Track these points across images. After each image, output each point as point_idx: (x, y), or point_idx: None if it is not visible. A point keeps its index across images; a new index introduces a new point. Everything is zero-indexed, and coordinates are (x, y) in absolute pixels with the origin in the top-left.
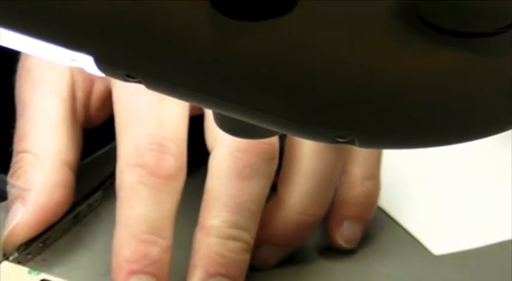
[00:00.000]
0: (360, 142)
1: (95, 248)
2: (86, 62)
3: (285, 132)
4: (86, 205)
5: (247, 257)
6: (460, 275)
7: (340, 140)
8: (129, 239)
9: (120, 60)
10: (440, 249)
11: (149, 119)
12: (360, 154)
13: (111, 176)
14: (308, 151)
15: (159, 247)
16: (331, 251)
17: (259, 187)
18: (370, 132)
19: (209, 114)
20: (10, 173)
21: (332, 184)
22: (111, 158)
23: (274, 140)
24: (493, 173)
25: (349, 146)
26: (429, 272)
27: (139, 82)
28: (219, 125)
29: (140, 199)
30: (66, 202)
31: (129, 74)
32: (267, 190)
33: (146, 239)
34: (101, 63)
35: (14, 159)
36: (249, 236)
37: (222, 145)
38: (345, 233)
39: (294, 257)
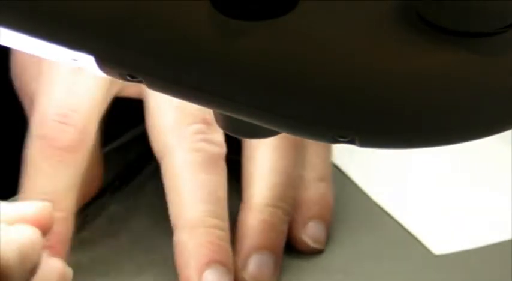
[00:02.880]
0: (360, 141)
1: (96, 249)
2: (87, 62)
3: (285, 131)
4: (94, 207)
5: (229, 246)
6: (461, 275)
7: (341, 139)
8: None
9: (121, 60)
10: (441, 249)
11: (60, 90)
12: (310, 159)
13: (117, 178)
14: (271, 150)
15: (56, 220)
16: (330, 250)
17: (222, 176)
18: (370, 132)
19: (153, 123)
20: None
21: (293, 181)
22: (115, 157)
23: (223, 141)
24: (493, 173)
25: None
26: (430, 272)
27: (140, 82)
28: (220, 124)
29: (39, 171)
30: (99, 179)
31: (130, 74)
32: (226, 179)
33: None
34: (101, 63)
35: None
36: (226, 226)
37: (177, 149)
38: (311, 232)
39: (292, 258)
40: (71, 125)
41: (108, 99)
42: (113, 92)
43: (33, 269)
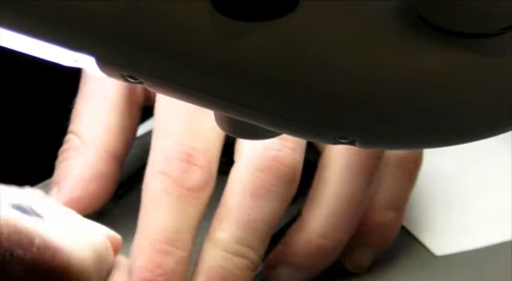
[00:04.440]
0: (361, 142)
1: None
2: (87, 63)
3: (286, 133)
4: (97, 211)
5: (250, 275)
6: (461, 276)
7: (342, 140)
8: (146, 247)
9: (121, 61)
10: (442, 250)
11: (182, 128)
12: (388, 183)
13: (123, 186)
14: (337, 173)
15: (174, 258)
16: None
17: (272, 208)
18: (370, 132)
19: None
20: (60, 150)
21: (359, 208)
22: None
23: (297, 163)
24: (493, 174)
25: (379, 173)
26: (430, 272)
27: (141, 83)
28: (220, 125)
29: (162, 207)
30: (102, 196)
31: (131, 75)
32: (280, 212)
33: (162, 249)
34: (102, 64)
35: (66, 137)
36: (254, 255)
37: (244, 160)
38: (354, 259)
39: None
40: (197, 165)
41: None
42: None
43: (107, 273)
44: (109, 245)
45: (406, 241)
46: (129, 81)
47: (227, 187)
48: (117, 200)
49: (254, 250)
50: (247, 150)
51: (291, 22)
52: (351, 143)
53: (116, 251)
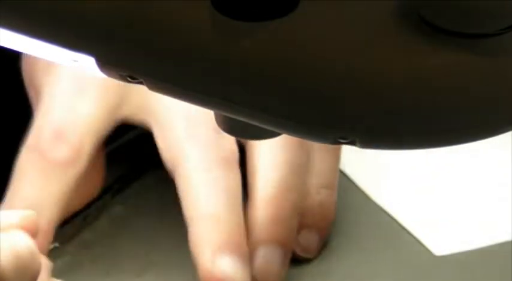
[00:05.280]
0: (361, 142)
1: (96, 249)
2: (87, 63)
3: (286, 133)
4: (94, 208)
5: (245, 240)
6: (461, 276)
7: (342, 140)
8: None
9: (121, 61)
10: (441, 250)
11: (60, 107)
12: (316, 164)
13: (118, 180)
14: (271, 144)
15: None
16: (331, 251)
17: (236, 174)
18: (370, 133)
19: (164, 137)
20: None
21: (301, 171)
22: (117, 158)
23: (236, 147)
24: (493, 174)
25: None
26: (430, 272)
27: (141, 83)
28: (220, 125)
29: (27, 180)
30: (100, 180)
31: (131, 75)
32: (240, 178)
33: None
34: (102, 64)
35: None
36: (240, 221)
37: (192, 153)
38: (301, 241)
39: (294, 258)
40: (66, 143)
41: (111, 124)
42: (117, 118)
43: (33, 278)
44: (35, 250)
45: (406, 241)
46: (129, 81)
47: (183, 178)
48: (113, 197)
49: (238, 216)
50: (189, 147)
51: (291, 22)
52: (351, 143)
53: (34, 231)
